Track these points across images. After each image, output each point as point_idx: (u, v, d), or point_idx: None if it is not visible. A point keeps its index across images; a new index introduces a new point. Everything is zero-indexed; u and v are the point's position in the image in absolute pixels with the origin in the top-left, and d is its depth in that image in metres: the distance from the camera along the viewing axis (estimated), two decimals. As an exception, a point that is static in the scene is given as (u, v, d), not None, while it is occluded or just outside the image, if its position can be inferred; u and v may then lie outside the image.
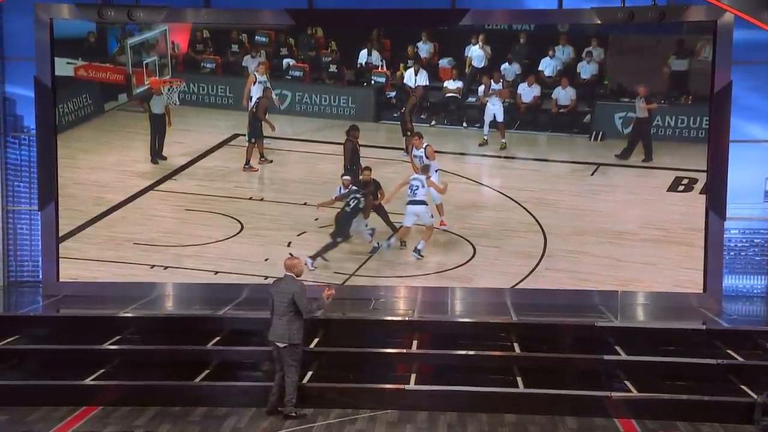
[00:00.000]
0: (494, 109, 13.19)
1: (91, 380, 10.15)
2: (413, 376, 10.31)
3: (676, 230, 12.70)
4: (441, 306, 12.41)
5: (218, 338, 11.07)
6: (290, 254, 10.48)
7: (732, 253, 13.57)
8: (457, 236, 12.97)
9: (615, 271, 12.64)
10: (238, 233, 13.06)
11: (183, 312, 12.16)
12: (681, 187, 12.83)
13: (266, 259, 12.83)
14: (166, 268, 12.95)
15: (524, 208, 13.02)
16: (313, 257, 12.64)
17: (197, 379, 10.20)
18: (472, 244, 12.94)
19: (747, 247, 13.66)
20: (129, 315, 11.67)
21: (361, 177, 12.82)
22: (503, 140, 13.20)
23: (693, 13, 12.38)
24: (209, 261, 12.92)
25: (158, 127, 13.31)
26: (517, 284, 12.66)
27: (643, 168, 12.92)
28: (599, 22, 12.52)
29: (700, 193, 12.65)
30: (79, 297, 12.70)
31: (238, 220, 13.15)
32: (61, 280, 13.05)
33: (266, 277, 12.63)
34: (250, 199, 13.07)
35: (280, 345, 9.52)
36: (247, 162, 13.30)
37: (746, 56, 12.76)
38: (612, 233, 12.80)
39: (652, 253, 12.65)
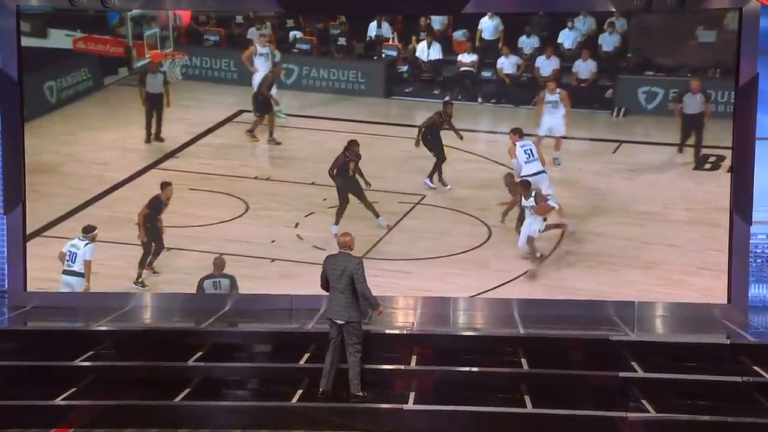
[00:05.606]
0: (552, 121, 13.23)
1: (62, 400, 10.13)
2: (412, 395, 10.34)
3: (702, 210, 12.86)
4: (442, 318, 12.46)
5: (200, 353, 11.08)
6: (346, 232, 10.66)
7: (759, 261, 13.60)
8: (472, 217, 13.16)
9: (637, 252, 12.82)
10: (243, 214, 13.29)
11: (162, 325, 12.19)
12: (708, 165, 12.95)
13: (273, 241, 13.05)
14: (169, 249, 13.12)
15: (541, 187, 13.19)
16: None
17: (178, 398, 10.20)
18: (487, 225, 13.11)
19: (776, 254, 13.72)
20: (103, 328, 11.69)
21: (162, 193, 13.02)
22: (557, 155, 13.26)
23: (716, 0, 12.45)
24: (213, 242, 13.12)
25: (154, 107, 13.50)
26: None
27: (668, 146, 13.08)
28: (614, 9, 12.63)
29: (728, 171, 12.75)
30: (49, 308, 12.73)
31: (243, 200, 13.36)
32: (29, 289, 13.06)
33: (272, 260, 12.84)
34: (256, 178, 13.33)
35: (339, 322, 10.03)
36: (251, 131, 13.57)
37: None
38: (635, 213, 12.98)
39: (677, 235, 12.81)
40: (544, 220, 12.81)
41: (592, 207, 13.11)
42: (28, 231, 13.13)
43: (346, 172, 13.10)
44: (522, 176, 12.99)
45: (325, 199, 13.22)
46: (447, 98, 13.41)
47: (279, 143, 13.60)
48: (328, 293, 10.25)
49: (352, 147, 13.11)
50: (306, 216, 13.21)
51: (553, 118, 13.18)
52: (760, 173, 12.58)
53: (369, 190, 13.17)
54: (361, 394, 10.09)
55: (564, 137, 13.24)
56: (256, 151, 13.64)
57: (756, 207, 12.63)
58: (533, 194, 12.76)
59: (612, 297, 12.61)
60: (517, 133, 13.07)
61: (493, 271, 12.96)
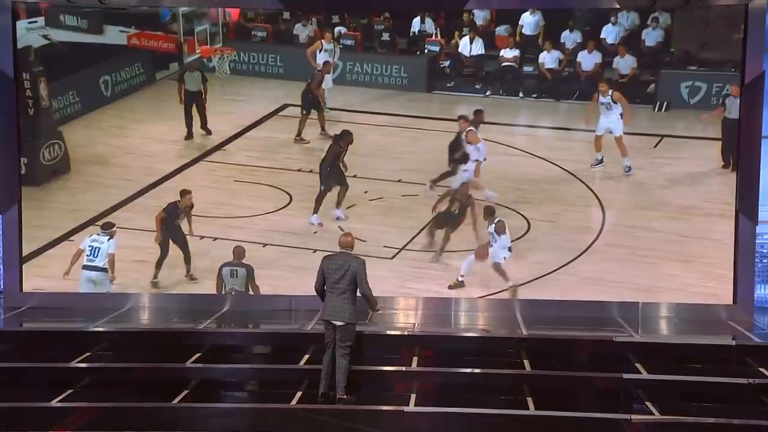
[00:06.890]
0: (607, 121, 13.33)
1: (58, 402, 10.13)
2: (413, 397, 10.34)
3: None
4: (444, 319, 12.47)
5: (198, 355, 11.09)
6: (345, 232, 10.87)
7: (765, 260, 13.63)
8: (511, 210, 13.33)
9: (678, 246, 12.91)
10: (286, 205, 13.59)
11: (160, 326, 12.21)
12: None
13: (315, 232, 13.32)
14: (215, 239, 13.30)
15: (582, 181, 13.38)
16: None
17: (175, 401, 10.19)
18: (526, 219, 13.27)
19: (782, 254, 13.74)
20: (100, 329, 11.70)
21: (180, 201, 13.21)
22: (627, 163, 13.35)
23: (723, -3, 12.52)
24: (257, 233, 13.36)
25: (194, 104, 13.84)
26: (574, 259, 12.97)
27: (710, 140, 13.17)
28: (617, 6, 12.67)
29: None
30: (45, 309, 12.75)
31: (287, 192, 13.65)
32: (25, 290, 13.08)
33: (314, 250, 12.99)
34: (299, 170, 13.58)
35: (338, 323, 9.99)
36: (299, 134, 13.91)
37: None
38: (675, 207, 13.11)
39: (718, 229, 12.87)
40: (510, 249, 12.86)
41: (632, 201, 13.30)
42: (81, 221, 13.35)
43: (338, 161, 13.32)
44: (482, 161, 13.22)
45: (366, 192, 13.56)
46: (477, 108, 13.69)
47: (331, 136, 13.84)
48: (318, 294, 10.20)
49: (346, 137, 13.35)
50: (348, 208, 13.47)
51: (608, 118, 13.29)
52: (763, 172, 12.63)
53: (410, 183, 13.51)
54: (346, 397, 10.08)
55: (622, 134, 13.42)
56: (300, 144, 14.02)
57: (761, 206, 12.66)
58: (495, 221, 12.83)
59: (650, 291, 12.70)
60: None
61: (530, 262, 13.08)
